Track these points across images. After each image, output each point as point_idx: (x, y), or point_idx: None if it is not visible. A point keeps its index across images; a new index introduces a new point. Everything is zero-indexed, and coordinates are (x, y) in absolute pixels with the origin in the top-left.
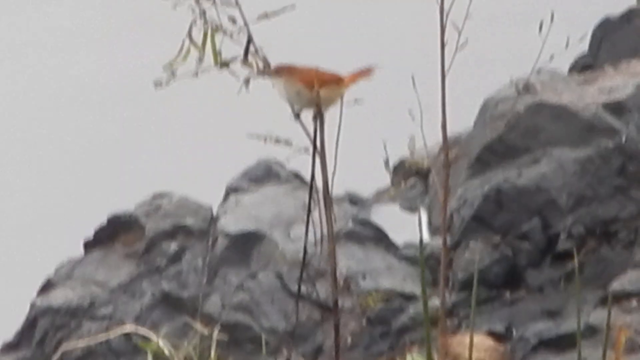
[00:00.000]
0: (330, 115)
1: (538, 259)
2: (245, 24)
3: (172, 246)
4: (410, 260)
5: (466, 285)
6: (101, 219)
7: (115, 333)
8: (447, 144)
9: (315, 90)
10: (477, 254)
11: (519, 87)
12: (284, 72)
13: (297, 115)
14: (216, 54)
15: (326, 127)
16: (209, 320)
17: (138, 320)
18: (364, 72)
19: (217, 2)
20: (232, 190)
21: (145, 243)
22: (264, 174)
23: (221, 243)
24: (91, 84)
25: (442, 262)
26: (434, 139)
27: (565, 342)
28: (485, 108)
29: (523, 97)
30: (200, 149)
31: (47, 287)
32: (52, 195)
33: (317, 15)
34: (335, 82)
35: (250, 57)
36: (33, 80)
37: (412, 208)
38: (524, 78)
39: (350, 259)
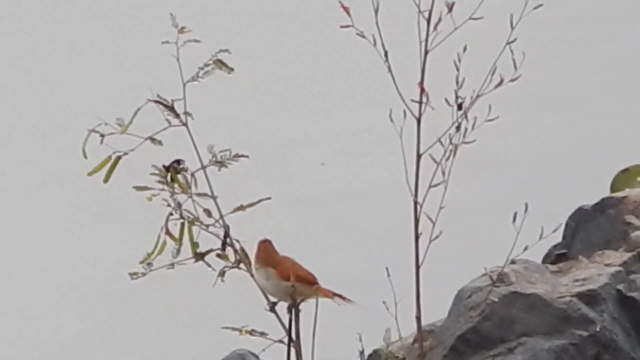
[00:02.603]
0: (306, 306)
1: None
2: (221, 216)
3: None
4: None
5: None
6: None
7: None
8: (421, 334)
9: (290, 282)
10: None
11: (493, 277)
12: (266, 258)
13: (272, 307)
14: (194, 246)
15: (302, 319)
16: None
17: None
18: (337, 297)
19: (193, 195)
20: None
21: None
22: None
23: None
24: (63, 278)
25: None
26: (409, 330)
27: None
28: (459, 298)
29: (497, 288)
30: (173, 341)
31: None
32: None
33: (293, 210)
34: (308, 282)
35: (227, 249)
36: (1, 278)
37: None
38: (498, 268)
39: None
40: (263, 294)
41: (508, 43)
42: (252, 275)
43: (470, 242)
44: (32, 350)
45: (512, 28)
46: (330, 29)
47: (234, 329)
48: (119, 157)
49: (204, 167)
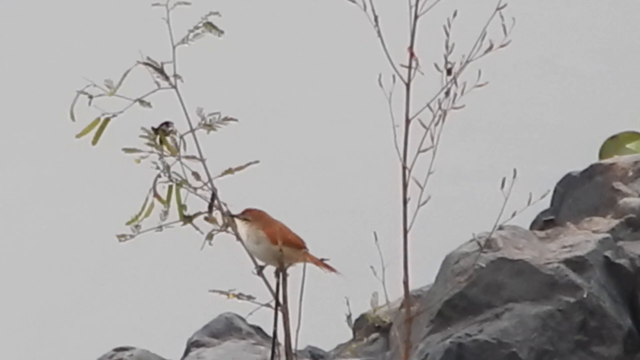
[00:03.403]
0: (293, 270)
1: None
2: (210, 179)
3: None
4: None
5: None
6: None
7: None
8: (409, 299)
9: (278, 246)
10: None
11: (481, 243)
12: (253, 217)
13: (260, 271)
14: (181, 208)
15: (289, 283)
16: None
17: None
18: (325, 266)
19: (182, 157)
20: (193, 345)
21: None
22: (225, 329)
23: None
24: (51, 237)
25: None
26: (396, 294)
27: None
28: (446, 263)
29: (485, 253)
30: (161, 303)
31: None
32: (12, 351)
33: (281, 174)
34: (297, 246)
35: (214, 213)
36: None
37: None
38: (486, 234)
39: None
40: (251, 257)
41: (498, 9)
42: (239, 239)
43: (458, 208)
44: (24, 313)
45: None
46: None
47: (221, 292)
48: (107, 119)
49: (192, 130)
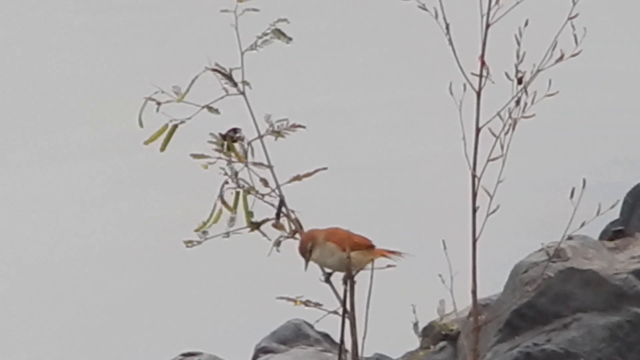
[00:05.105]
0: (360, 277)
1: None
2: (277, 186)
3: None
4: None
5: None
6: None
7: None
8: (476, 308)
9: (347, 252)
10: None
11: (550, 252)
12: (319, 235)
13: (327, 278)
14: (249, 215)
15: (356, 290)
16: None
17: None
18: (394, 253)
19: (249, 164)
20: (260, 351)
21: None
22: (293, 335)
23: None
24: (121, 243)
25: None
26: (464, 303)
27: None
28: (515, 273)
29: (553, 263)
30: (229, 309)
31: None
32: (78, 356)
33: (350, 180)
34: (366, 246)
35: (281, 219)
36: (59, 239)
37: None
38: (555, 244)
39: None
40: (319, 265)
41: (570, 18)
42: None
43: (527, 217)
44: (90, 316)
45: (574, 3)
46: (392, 1)
47: (289, 299)
48: (175, 126)
49: (260, 137)
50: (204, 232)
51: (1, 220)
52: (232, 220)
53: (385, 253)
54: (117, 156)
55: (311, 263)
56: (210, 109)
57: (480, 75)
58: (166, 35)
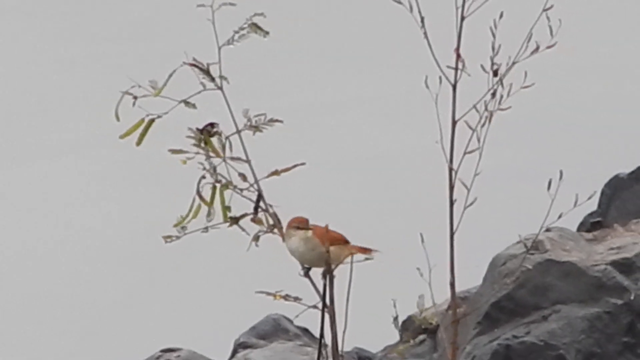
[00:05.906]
0: (339, 272)
1: None
2: (256, 180)
3: None
4: None
5: None
6: None
7: None
8: (455, 301)
9: (326, 246)
10: None
11: (528, 244)
12: (300, 226)
13: (307, 272)
14: (225, 210)
15: (335, 284)
16: None
17: None
18: (368, 251)
19: (227, 158)
20: (239, 346)
21: None
22: (272, 330)
23: None
24: (98, 238)
25: None
26: (443, 296)
27: None
28: (493, 265)
29: (532, 255)
30: (208, 304)
31: None
32: (57, 351)
33: (328, 174)
34: (342, 241)
35: (260, 214)
36: (41, 236)
37: None
38: (533, 236)
39: None
40: (297, 259)
41: (544, 10)
42: (284, 240)
43: (504, 209)
44: (70, 313)
45: None
46: None
47: (268, 293)
48: (152, 120)
49: (238, 131)
50: (183, 228)
51: None
52: (209, 214)
53: (360, 249)
54: (94, 152)
55: (290, 258)
56: (187, 103)
57: (456, 68)
58: (143, 29)
